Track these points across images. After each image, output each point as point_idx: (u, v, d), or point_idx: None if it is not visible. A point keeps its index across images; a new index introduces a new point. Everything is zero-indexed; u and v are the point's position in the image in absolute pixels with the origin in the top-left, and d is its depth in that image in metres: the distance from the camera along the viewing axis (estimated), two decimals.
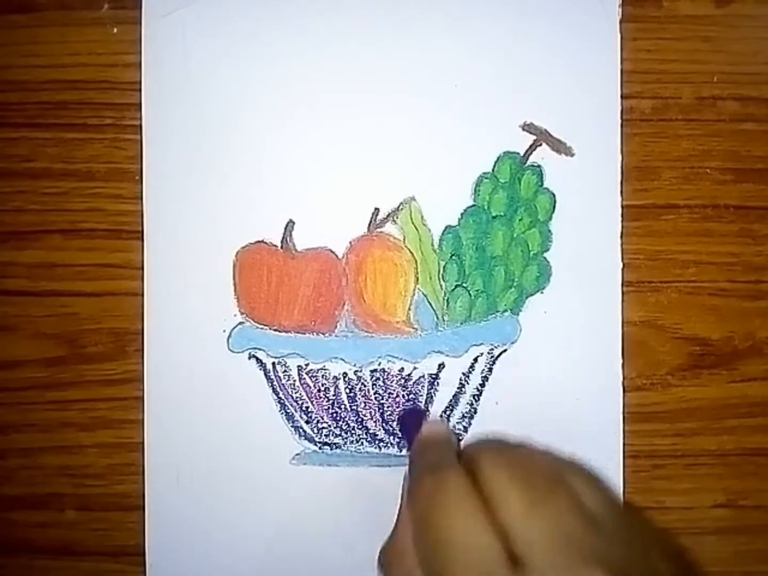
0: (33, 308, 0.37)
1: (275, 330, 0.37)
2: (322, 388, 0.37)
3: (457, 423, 0.37)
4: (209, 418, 0.37)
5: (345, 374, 0.37)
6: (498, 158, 0.37)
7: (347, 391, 0.37)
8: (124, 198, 0.37)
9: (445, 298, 0.37)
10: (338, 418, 0.37)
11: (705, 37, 0.37)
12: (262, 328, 0.37)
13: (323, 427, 0.37)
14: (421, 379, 0.37)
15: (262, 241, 0.37)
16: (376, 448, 0.37)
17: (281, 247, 0.37)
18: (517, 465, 0.28)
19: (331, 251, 0.37)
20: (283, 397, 0.37)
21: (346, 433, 0.37)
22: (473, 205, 0.37)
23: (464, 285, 0.37)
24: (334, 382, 0.37)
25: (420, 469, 0.29)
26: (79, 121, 0.37)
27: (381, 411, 0.37)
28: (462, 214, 0.37)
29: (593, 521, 0.26)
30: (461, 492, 0.27)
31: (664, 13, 0.37)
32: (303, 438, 0.37)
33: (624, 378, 0.37)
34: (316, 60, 0.37)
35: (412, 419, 0.35)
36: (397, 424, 0.37)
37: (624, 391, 0.37)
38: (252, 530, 0.37)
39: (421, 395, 0.37)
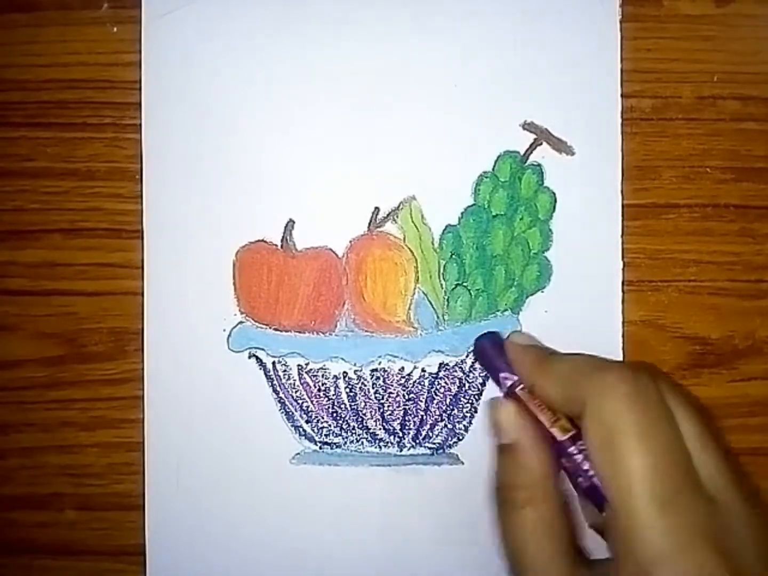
0: (33, 308, 0.37)
1: (275, 329, 0.37)
2: (322, 388, 0.37)
3: (457, 423, 0.37)
4: (209, 418, 0.37)
5: (345, 374, 0.37)
6: (498, 157, 0.37)
7: (347, 390, 0.37)
8: (124, 197, 0.37)
9: (446, 297, 0.37)
10: (338, 418, 0.37)
11: (705, 36, 0.37)
12: (262, 328, 0.37)
13: (323, 427, 0.37)
14: (421, 379, 0.37)
15: (262, 241, 0.37)
16: (376, 447, 0.37)
17: (281, 247, 0.37)
18: (680, 389, 0.27)
19: (331, 250, 0.37)
20: (283, 397, 0.37)
21: (346, 432, 0.37)
22: (473, 204, 0.37)
23: (464, 284, 0.37)
24: (334, 382, 0.37)
25: (589, 360, 0.28)
26: (79, 120, 0.37)
27: (381, 410, 0.37)
28: (462, 213, 0.37)
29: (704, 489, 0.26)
30: (660, 401, 0.26)
31: (664, 13, 0.37)
32: (303, 437, 0.37)
33: None
34: (316, 59, 0.37)
35: (491, 344, 0.33)
36: (474, 357, 0.36)
37: None
38: (252, 530, 0.37)
39: (422, 395, 0.37)
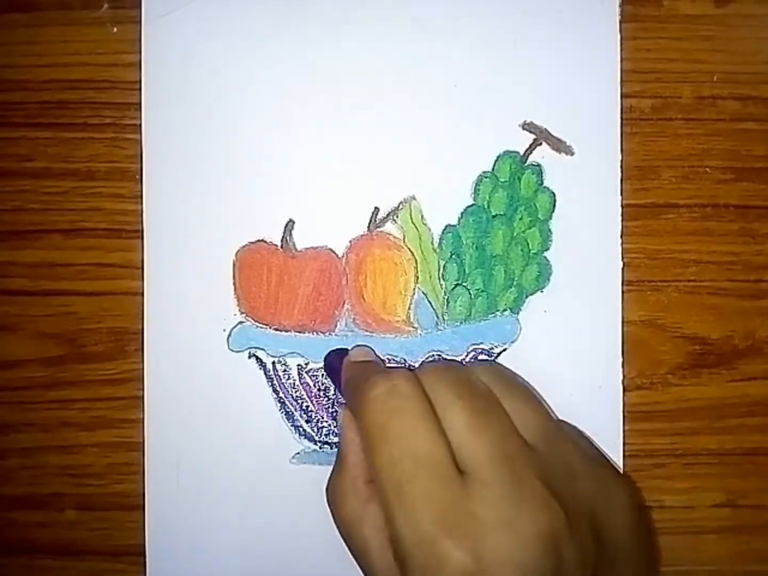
0: (33, 308, 0.37)
1: (275, 329, 0.37)
2: (322, 388, 0.37)
3: None
4: (209, 418, 0.37)
5: None
6: (498, 157, 0.37)
7: None
8: (124, 197, 0.37)
9: (445, 297, 0.37)
10: (338, 417, 0.37)
11: (705, 36, 0.37)
12: (262, 328, 0.37)
13: (323, 426, 0.37)
14: None
15: (262, 241, 0.37)
16: None
17: (281, 247, 0.37)
18: (460, 382, 0.29)
19: (331, 250, 0.37)
20: (283, 397, 0.37)
21: None
22: (473, 205, 0.37)
23: (464, 284, 0.37)
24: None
25: (366, 377, 0.30)
26: (80, 120, 0.37)
27: None
28: (462, 214, 0.37)
29: (526, 443, 0.28)
30: (415, 397, 0.28)
31: (664, 13, 0.37)
32: (303, 437, 0.37)
33: (624, 377, 0.37)
34: (315, 59, 0.37)
35: (339, 360, 0.35)
36: (324, 372, 0.36)
37: (624, 390, 0.37)
38: (252, 529, 0.37)
39: None
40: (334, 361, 0.35)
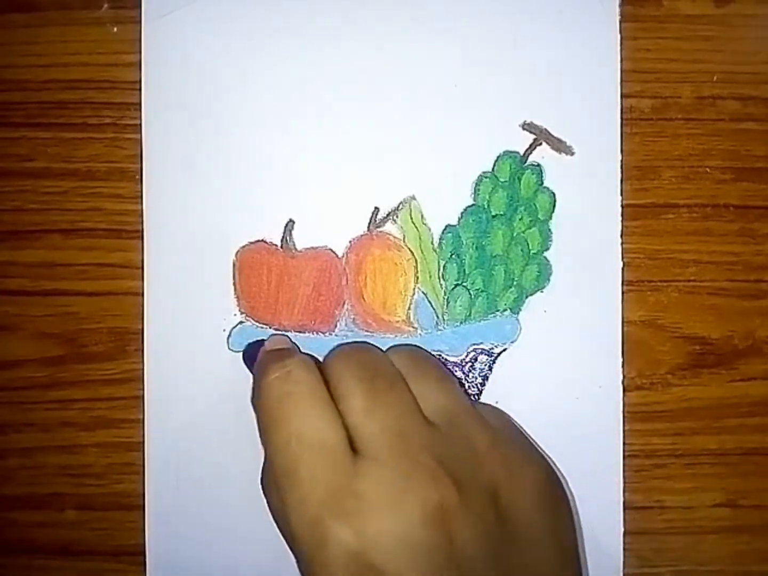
0: (33, 308, 0.37)
1: (275, 329, 0.37)
2: None
3: None
4: (209, 418, 0.37)
5: None
6: (498, 157, 0.37)
7: None
8: (124, 198, 0.37)
9: (445, 297, 0.37)
10: None
11: (705, 36, 0.37)
12: (262, 328, 0.37)
13: None
14: None
15: (262, 241, 0.37)
16: None
17: (281, 247, 0.37)
18: (363, 365, 0.29)
19: (331, 250, 0.37)
20: None
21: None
22: (473, 205, 0.37)
23: (464, 284, 0.37)
24: None
25: (263, 365, 0.30)
26: (79, 120, 0.37)
27: None
28: (462, 214, 0.37)
29: (427, 423, 0.28)
30: (309, 382, 0.28)
31: (664, 13, 0.37)
32: None
33: (624, 377, 0.37)
34: (315, 59, 0.37)
35: (257, 349, 0.35)
36: (244, 361, 0.36)
37: (624, 390, 0.37)
38: (252, 530, 0.37)
39: None
40: (253, 351, 0.35)
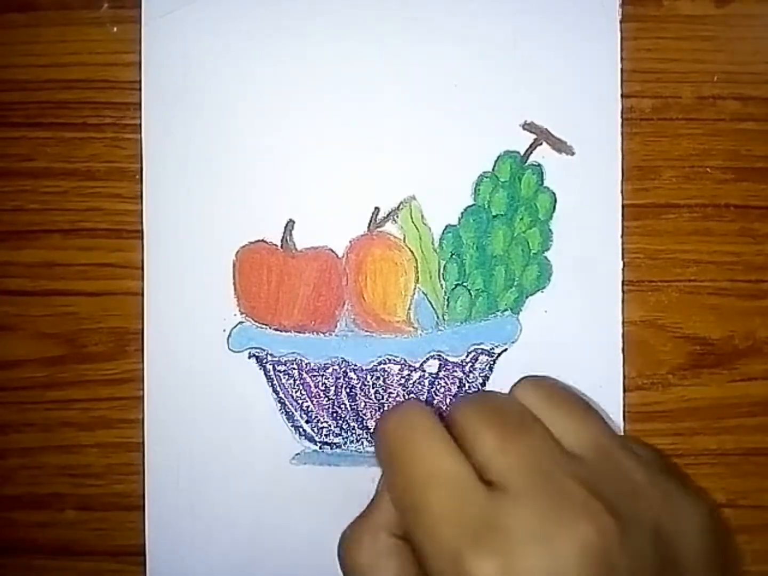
0: (33, 308, 0.37)
1: (275, 329, 0.37)
2: (322, 388, 0.37)
3: None
4: (209, 418, 0.37)
5: (345, 373, 0.37)
6: (498, 157, 0.37)
7: (347, 390, 0.37)
8: (124, 197, 0.37)
9: (446, 297, 0.37)
10: (338, 418, 0.37)
11: (705, 36, 0.37)
12: (262, 328, 0.37)
13: (323, 427, 0.37)
14: (421, 379, 0.37)
15: (262, 241, 0.37)
16: None
17: (281, 247, 0.37)
18: (487, 407, 0.28)
19: (331, 250, 0.37)
20: (283, 397, 0.37)
21: (347, 432, 0.37)
22: (473, 205, 0.37)
23: (464, 284, 0.37)
24: (334, 382, 0.37)
25: (386, 414, 0.29)
26: (79, 120, 0.37)
27: (381, 410, 0.37)
28: (462, 214, 0.37)
29: (569, 455, 0.26)
30: (426, 422, 0.27)
31: (664, 13, 0.37)
32: (303, 438, 0.37)
33: (624, 377, 0.37)
34: (315, 59, 0.37)
35: None
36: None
37: (624, 390, 0.37)
38: (252, 530, 0.37)
39: (422, 395, 0.37)
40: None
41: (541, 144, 0.37)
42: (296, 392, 0.37)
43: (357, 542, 0.29)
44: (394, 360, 0.37)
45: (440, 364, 0.37)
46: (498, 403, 0.28)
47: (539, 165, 0.37)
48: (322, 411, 0.37)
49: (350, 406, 0.37)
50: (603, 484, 0.25)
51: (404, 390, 0.37)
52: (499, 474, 0.25)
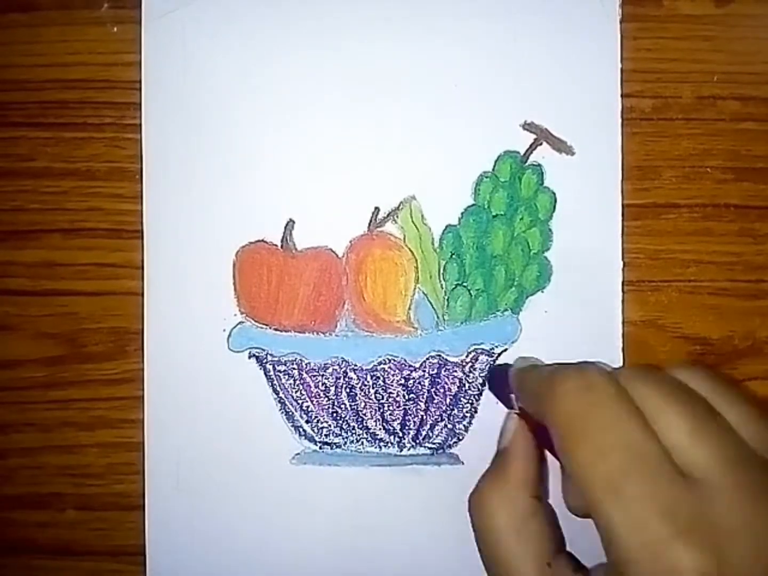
0: (33, 308, 0.37)
1: (275, 329, 0.37)
2: (322, 388, 0.37)
3: (457, 423, 0.37)
4: (209, 418, 0.37)
5: (345, 373, 0.37)
6: (498, 157, 0.37)
7: (347, 390, 0.37)
8: (124, 197, 0.37)
9: (446, 297, 0.37)
10: (338, 418, 0.37)
11: (705, 36, 0.37)
12: (262, 328, 0.37)
13: (323, 427, 0.37)
14: (422, 379, 0.37)
15: (262, 241, 0.37)
16: (376, 447, 0.37)
17: (281, 247, 0.37)
18: (674, 387, 0.26)
19: (332, 250, 0.37)
20: (283, 397, 0.37)
21: (347, 432, 0.37)
22: (473, 205, 0.37)
23: (464, 284, 0.37)
24: (334, 382, 0.37)
25: (551, 373, 0.27)
26: (80, 120, 0.37)
27: (381, 410, 0.37)
28: (462, 214, 0.37)
29: (756, 453, 0.25)
30: (615, 389, 0.25)
31: (664, 13, 0.37)
32: (303, 437, 0.37)
33: None
34: (315, 59, 0.37)
35: (500, 372, 0.34)
36: (490, 384, 0.36)
37: None
38: (252, 530, 0.37)
39: (421, 395, 0.37)
40: (496, 375, 0.34)
41: (541, 144, 0.37)
42: (296, 392, 0.37)
43: (496, 506, 0.28)
44: (394, 360, 0.37)
45: (440, 364, 0.37)
46: (680, 384, 0.27)
47: (539, 165, 0.37)
48: (322, 411, 0.37)
49: (350, 406, 0.37)
50: (716, 520, 0.24)
51: (404, 390, 0.37)
52: (696, 464, 0.24)
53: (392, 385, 0.37)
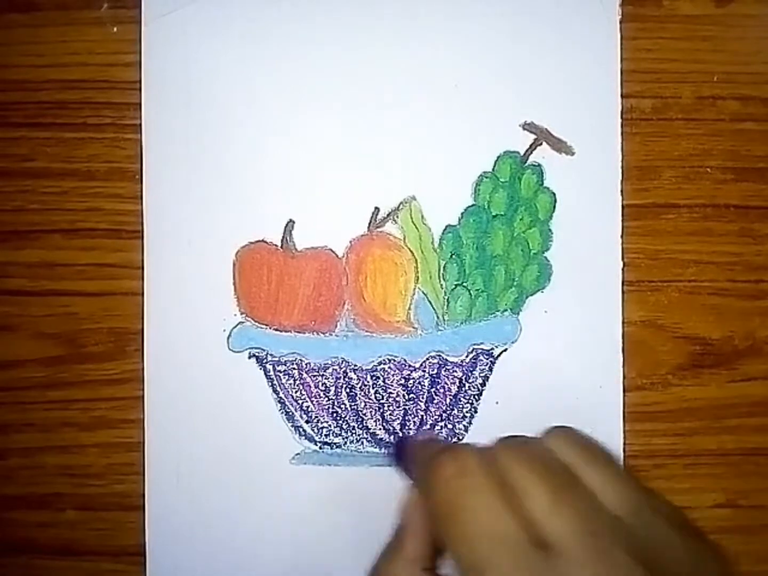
0: (33, 308, 0.37)
1: (275, 329, 0.37)
2: (322, 388, 0.37)
3: (457, 423, 0.37)
4: (209, 418, 0.37)
5: (345, 374, 0.37)
6: (498, 157, 0.37)
7: (347, 390, 0.37)
8: (123, 198, 0.37)
9: (446, 297, 0.37)
10: (338, 418, 0.37)
11: (705, 36, 0.37)
12: (262, 328, 0.37)
13: (323, 427, 0.37)
14: (422, 379, 0.37)
15: (263, 241, 0.37)
16: (376, 447, 0.37)
17: (281, 247, 0.37)
18: (536, 459, 0.28)
19: (332, 251, 0.37)
20: (283, 397, 0.37)
21: (347, 432, 0.37)
22: (473, 205, 0.37)
23: (464, 284, 0.37)
24: (334, 382, 0.37)
25: (435, 458, 0.28)
26: (79, 120, 0.37)
27: (381, 410, 0.37)
28: (462, 214, 0.37)
29: (614, 518, 0.27)
30: (484, 475, 0.27)
31: (664, 13, 0.37)
32: (303, 437, 0.37)
33: (624, 377, 0.37)
34: (315, 60, 0.37)
35: (403, 448, 0.34)
36: (393, 456, 0.36)
37: (624, 390, 0.37)
38: (252, 530, 0.37)
39: (421, 395, 0.37)
40: (401, 447, 0.34)
41: (541, 144, 0.37)
42: (296, 392, 0.37)
43: None
44: (394, 360, 0.37)
45: (440, 364, 0.37)
46: (542, 453, 0.28)
47: (539, 165, 0.37)
48: (322, 411, 0.37)
49: (350, 406, 0.37)
50: (641, 547, 0.26)
51: (404, 390, 0.37)
52: (553, 535, 0.25)
53: (392, 385, 0.37)
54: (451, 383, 0.37)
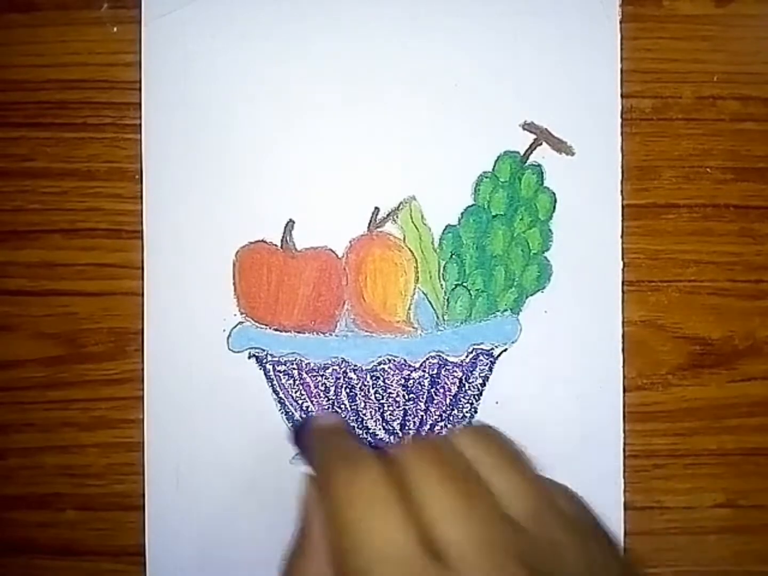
0: (33, 308, 0.37)
1: (275, 329, 0.37)
2: (322, 388, 0.37)
3: (457, 423, 0.37)
4: (209, 418, 0.37)
5: (345, 374, 0.37)
6: (498, 157, 0.37)
7: (347, 390, 0.37)
8: (123, 197, 0.37)
9: (446, 297, 0.37)
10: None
11: (705, 36, 0.37)
12: (262, 328, 0.37)
13: None
14: (421, 379, 0.37)
15: (262, 241, 0.37)
16: (376, 447, 0.37)
17: (281, 247, 0.37)
18: (438, 463, 0.27)
19: (331, 251, 0.37)
20: (283, 397, 0.37)
21: None
22: (473, 205, 0.37)
23: (464, 284, 0.37)
24: (334, 382, 0.37)
25: (328, 460, 0.29)
26: (79, 120, 0.37)
27: (381, 411, 0.37)
28: (462, 214, 0.37)
29: (512, 525, 0.26)
30: (377, 485, 0.26)
31: (664, 13, 0.37)
32: None
33: (624, 377, 0.37)
34: (315, 59, 0.37)
35: (304, 431, 0.34)
36: (294, 442, 0.36)
37: (624, 390, 0.37)
38: (252, 530, 0.37)
39: (421, 395, 0.37)
40: (301, 432, 0.34)
41: (541, 144, 0.37)
42: (296, 392, 0.37)
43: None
44: (394, 360, 0.37)
45: (440, 364, 0.37)
46: (447, 457, 0.28)
47: (539, 165, 0.37)
48: (322, 411, 0.37)
49: (350, 406, 0.37)
50: (536, 557, 0.26)
51: (404, 390, 0.37)
52: (447, 544, 0.25)
53: (392, 385, 0.37)
54: (451, 383, 0.37)
